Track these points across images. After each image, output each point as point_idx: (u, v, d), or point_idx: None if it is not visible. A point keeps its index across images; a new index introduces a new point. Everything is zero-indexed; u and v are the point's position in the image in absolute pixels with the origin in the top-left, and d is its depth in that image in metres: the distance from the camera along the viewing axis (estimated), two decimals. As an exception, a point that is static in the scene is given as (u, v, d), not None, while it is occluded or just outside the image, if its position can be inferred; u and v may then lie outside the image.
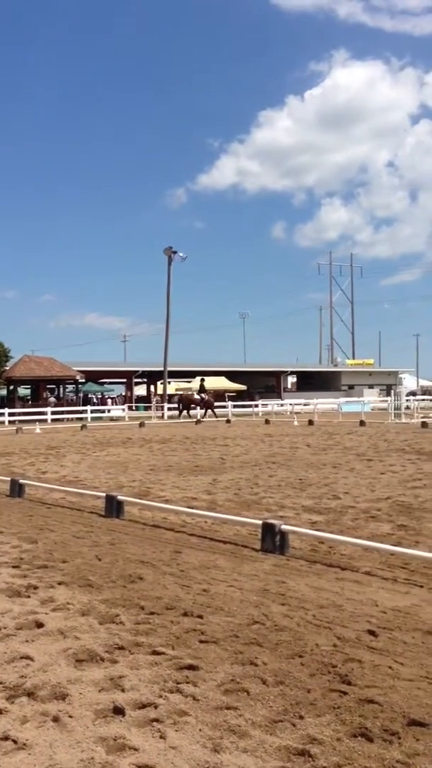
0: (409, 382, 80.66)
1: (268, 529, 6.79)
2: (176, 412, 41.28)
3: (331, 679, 3.70)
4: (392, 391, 40.78)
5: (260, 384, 68.04)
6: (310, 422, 31.49)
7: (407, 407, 37.34)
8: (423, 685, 3.61)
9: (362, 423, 29.73)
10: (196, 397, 40.09)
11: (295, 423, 31.70)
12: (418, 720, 3.21)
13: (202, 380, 42.63)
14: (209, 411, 39.74)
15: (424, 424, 28.15)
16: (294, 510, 9.07)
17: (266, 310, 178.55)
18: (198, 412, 39.27)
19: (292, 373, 73.99)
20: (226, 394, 54.07)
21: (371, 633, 4.38)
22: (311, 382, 71.83)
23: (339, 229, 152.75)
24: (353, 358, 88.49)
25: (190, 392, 44.91)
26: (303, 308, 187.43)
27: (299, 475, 12.78)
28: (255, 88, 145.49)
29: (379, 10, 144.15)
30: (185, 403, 40.33)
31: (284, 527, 6.81)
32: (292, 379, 76.59)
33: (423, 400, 46.84)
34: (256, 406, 47.72)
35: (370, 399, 50.87)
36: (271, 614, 4.79)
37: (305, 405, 46.60)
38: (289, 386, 74.08)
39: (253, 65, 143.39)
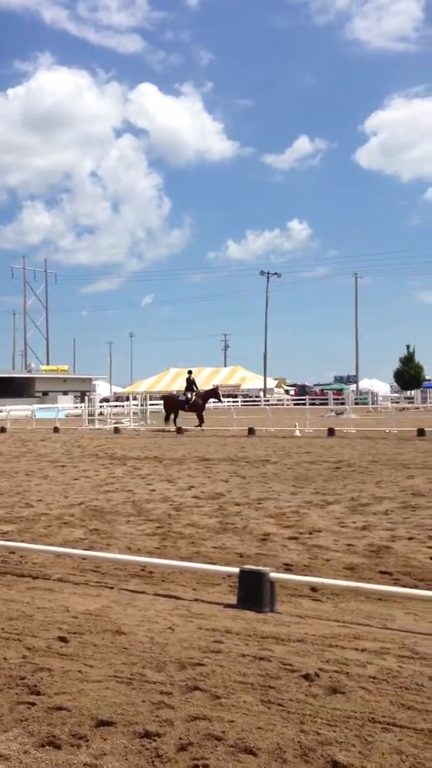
0: (102, 389, 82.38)
1: None
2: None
3: (19, 692, 3.60)
4: (86, 398, 41.23)
5: None
6: (2, 429, 30.51)
7: (101, 413, 38.09)
8: (111, 684, 3.68)
9: (56, 429, 29.65)
10: (181, 398, 29.25)
11: (-13, 430, 30.47)
12: (106, 720, 3.27)
13: (190, 373, 30.55)
14: (198, 415, 28.79)
15: (116, 430, 28.96)
16: (-17, 521, 8.69)
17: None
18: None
19: (-16, 378, 70.99)
20: None
21: (62, 639, 4.37)
22: (4, 388, 69.62)
23: (41, 234, 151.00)
24: (48, 364, 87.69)
25: (176, 392, 34.02)
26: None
27: (-10, 484, 12.29)
28: None
29: (85, 22, 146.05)
30: (169, 405, 29.48)
31: (-28, 539, 6.48)
32: (-16, 385, 73.50)
33: (116, 406, 48.14)
34: None
35: (65, 405, 50.91)
36: None
37: (-3, 412, 45.04)
38: (-19, 392, 70.98)
39: None
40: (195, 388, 29.30)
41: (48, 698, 3.52)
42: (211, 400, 31.04)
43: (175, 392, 33.07)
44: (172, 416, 28.69)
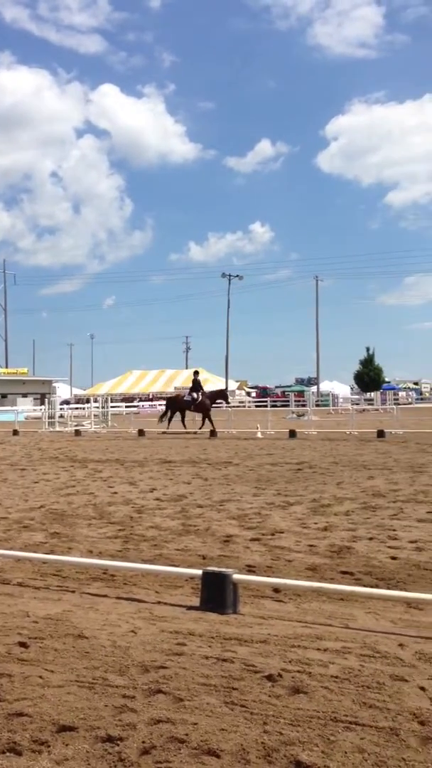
0: (63, 391, 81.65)
1: None
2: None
3: (-22, 699, 3.54)
4: (46, 400, 40.79)
5: None
6: (-39, 432, 30.04)
7: (61, 416, 37.76)
8: (73, 689, 3.64)
9: (16, 432, 29.28)
10: (187, 398, 27.71)
11: None
12: (68, 725, 3.23)
13: (196, 373, 29.00)
14: (205, 417, 27.28)
15: (77, 432, 28.73)
16: None
17: None
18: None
19: None
20: None
21: (22, 645, 4.30)
22: (-38, 390, 68.53)
23: (0, 234, 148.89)
24: (6, 366, 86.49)
25: (182, 393, 32.00)
26: None
27: None
28: None
29: (45, 21, 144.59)
30: (174, 406, 28.07)
31: None
32: None
33: (76, 408, 47.75)
34: None
35: (24, 408, 50.30)
36: None
37: None
38: None
39: None
40: (201, 389, 27.89)
41: (8, 704, 3.46)
42: (219, 400, 29.86)
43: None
44: (172, 417, 27.64)
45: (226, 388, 33.21)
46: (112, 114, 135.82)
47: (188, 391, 28.53)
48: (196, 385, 27.78)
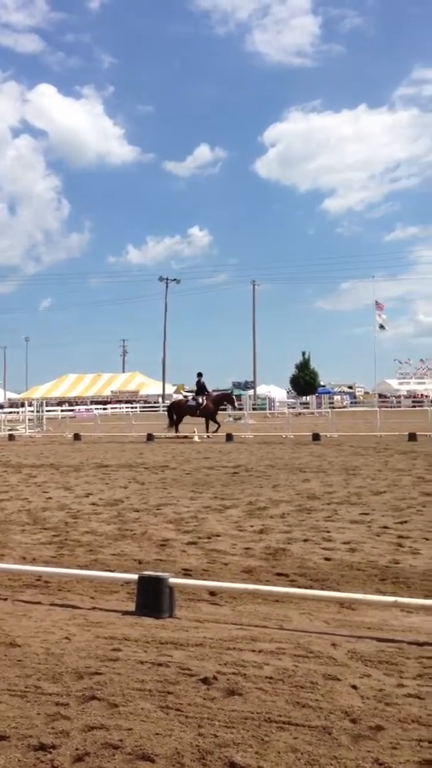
0: (-3, 395, 79.87)
1: None
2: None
3: None
4: (-21, 404, 39.88)
5: None
6: None
7: (-5, 420, 36.95)
8: (4, 698, 3.57)
9: None
10: (191, 402, 26.50)
11: None
12: None
13: (200, 375, 27.01)
14: (210, 421, 25.91)
15: (11, 437, 28.20)
16: None
17: None
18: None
19: None
20: None
21: None
22: None
23: None
24: None
25: (183, 397, 30.47)
26: None
27: None
28: None
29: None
30: (177, 411, 26.51)
31: None
32: None
33: (10, 412, 46.83)
34: None
35: (-44, 412, 49.04)
36: None
37: None
38: None
39: None
40: (206, 392, 26.74)
41: None
42: (225, 403, 28.56)
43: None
44: (180, 421, 26.39)
45: (231, 391, 32.46)
46: (50, 114, 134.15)
47: (194, 394, 27.58)
48: (201, 388, 26.62)
